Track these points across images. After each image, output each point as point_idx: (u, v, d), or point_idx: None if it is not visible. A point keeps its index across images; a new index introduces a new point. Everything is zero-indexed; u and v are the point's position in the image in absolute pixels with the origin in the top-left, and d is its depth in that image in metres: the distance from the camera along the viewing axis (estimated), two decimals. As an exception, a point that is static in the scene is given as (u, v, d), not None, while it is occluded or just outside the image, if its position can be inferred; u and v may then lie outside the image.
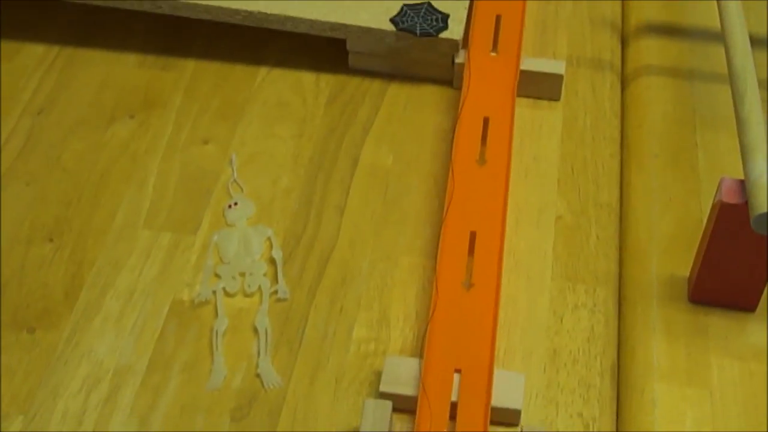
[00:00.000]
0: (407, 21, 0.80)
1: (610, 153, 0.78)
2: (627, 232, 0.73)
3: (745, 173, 0.63)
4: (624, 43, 0.87)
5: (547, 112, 0.80)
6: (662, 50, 0.85)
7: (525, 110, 0.80)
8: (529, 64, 0.80)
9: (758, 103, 0.67)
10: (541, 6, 0.88)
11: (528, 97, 0.81)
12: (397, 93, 0.82)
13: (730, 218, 0.63)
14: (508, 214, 0.72)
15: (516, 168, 0.76)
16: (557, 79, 0.80)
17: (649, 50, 0.85)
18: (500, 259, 0.68)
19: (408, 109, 0.81)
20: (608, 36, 0.87)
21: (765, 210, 0.60)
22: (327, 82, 0.82)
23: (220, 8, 0.80)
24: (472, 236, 0.69)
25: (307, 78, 0.82)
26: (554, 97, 0.81)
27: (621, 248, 0.73)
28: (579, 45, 0.86)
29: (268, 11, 0.80)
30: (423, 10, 0.81)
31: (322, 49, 0.83)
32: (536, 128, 0.79)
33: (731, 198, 0.63)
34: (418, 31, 0.79)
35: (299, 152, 0.77)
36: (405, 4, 0.81)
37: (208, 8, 0.80)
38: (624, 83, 0.84)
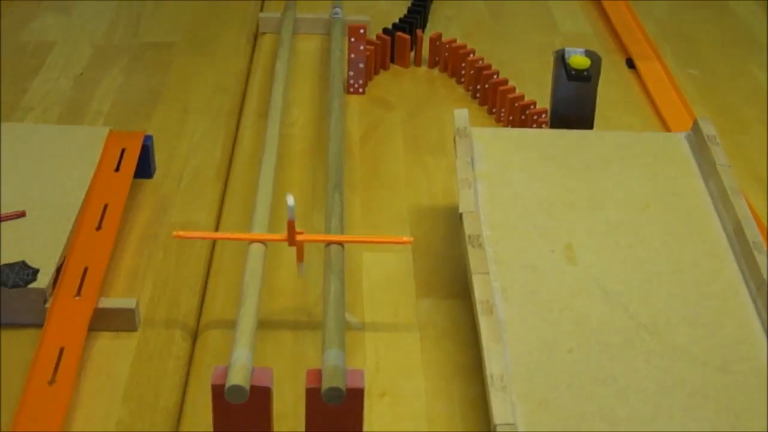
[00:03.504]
0: (1, 277, 0.96)
1: (174, 368, 0.94)
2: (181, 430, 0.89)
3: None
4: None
5: (124, 341, 0.96)
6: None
7: (104, 341, 0.96)
8: (105, 302, 0.97)
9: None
10: (135, 257, 1.07)
11: (108, 330, 0.97)
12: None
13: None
14: (75, 420, 0.87)
15: (89, 389, 0.91)
16: (130, 313, 0.97)
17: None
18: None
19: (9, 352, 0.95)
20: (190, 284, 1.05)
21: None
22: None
23: None
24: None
25: None
26: (131, 328, 0.97)
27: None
28: (163, 288, 1.03)
29: None
30: (17, 267, 0.97)
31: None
32: (113, 355, 0.95)
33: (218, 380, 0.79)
34: (10, 284, 0.95)
35: None
36: (2, 264, 0.97)
37: None
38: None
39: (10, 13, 1.59)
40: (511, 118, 1.32)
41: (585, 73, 1.13)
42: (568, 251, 0.96)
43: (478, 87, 1.40)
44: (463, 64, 1.43)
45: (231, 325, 0.87)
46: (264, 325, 0.96)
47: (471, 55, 1.42)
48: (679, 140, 1.11)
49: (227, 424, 0.80)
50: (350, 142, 1.29)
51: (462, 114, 1.10)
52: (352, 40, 1.37)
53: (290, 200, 0.90)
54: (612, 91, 1.42)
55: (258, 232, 0.98)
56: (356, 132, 1.32)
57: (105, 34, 1.54)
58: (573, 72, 1.13)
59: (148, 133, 1.20)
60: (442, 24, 1.60)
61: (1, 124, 1.19)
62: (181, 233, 0.97)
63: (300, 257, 0.96)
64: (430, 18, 1.61)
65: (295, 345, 0.97)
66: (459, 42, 1.45)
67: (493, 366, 0.83)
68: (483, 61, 1.40)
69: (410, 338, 0.99)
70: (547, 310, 0.90)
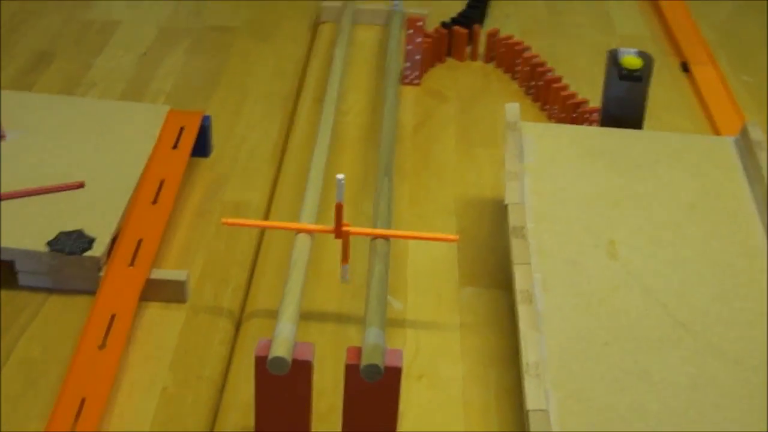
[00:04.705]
0: (59, 243, 0.99)
1: (220, 340, 0.97)
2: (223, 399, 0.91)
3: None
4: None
5: (173, 312, 0.99)
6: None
7: (154, 311, 0.99)
8: (157, 273, 1.00)
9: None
10: (188, 232, 1.10)
11: (159, 300, 1.00)
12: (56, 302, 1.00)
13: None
14: (122, 385, 0.90)
15: (137, 355, 0.94)
16: (180, 285, 1.00)
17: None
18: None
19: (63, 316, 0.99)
20: (239, 262, 1.08)
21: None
22: (-5, 297, 1.00)
23: None
24: (82, 402, 0.86)
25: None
26: (181, 299, 1.00)
27: (217, 412, 0.90)
28: (213, 264, 1.06)
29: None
30: (74, 236, 1.01)
31: (-4, 270, 1.02)
32: (162, 324, 0.98)
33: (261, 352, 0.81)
34: (67, 251, 0.99)
35: None
36: (60, 231, 1.01)
37: None
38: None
39: (79, -9, 1.64)
40: (563, 115, 1.34)
41: (637, 73, 1.14)
42: (610, 247, 0.98)
43: (532, 83, 1.41)
44: (518, 61, 1.44)
45: (276, 305, 0.89)
46: (308, 306, 0.98)
47: (527, 52, 1.44)
48: (728, 144, 1.12)
49: (268, 396, 0.83)
50: (403, 131, 1.31)
51: (513, 108, 1.12)
52: (410, 32, 1.40)
53: (340, 177, 0.90)
54: (665, 93, 1.43)
55: (306, 220, 1.00)
56: (409, 122, 1.34)
57: (169, 16, 1.58)
58: (625, 72, 1.14)
59: (207, 113, 1.23)
60: (500, 21, 1.62)
61: (63, 98, 1.23)
62: (229, 220, 0.99)
63: (345, 257, 0.96)
64: (489, 14, 1.63)
65: (337, 327, 1.00)
66: (515, 39, 1.47)
67: (529, 354, 0.85)
68: (538, 59, 1.42)
69: (451, 325, 1.01)
70: (585, 303, 0.92)
